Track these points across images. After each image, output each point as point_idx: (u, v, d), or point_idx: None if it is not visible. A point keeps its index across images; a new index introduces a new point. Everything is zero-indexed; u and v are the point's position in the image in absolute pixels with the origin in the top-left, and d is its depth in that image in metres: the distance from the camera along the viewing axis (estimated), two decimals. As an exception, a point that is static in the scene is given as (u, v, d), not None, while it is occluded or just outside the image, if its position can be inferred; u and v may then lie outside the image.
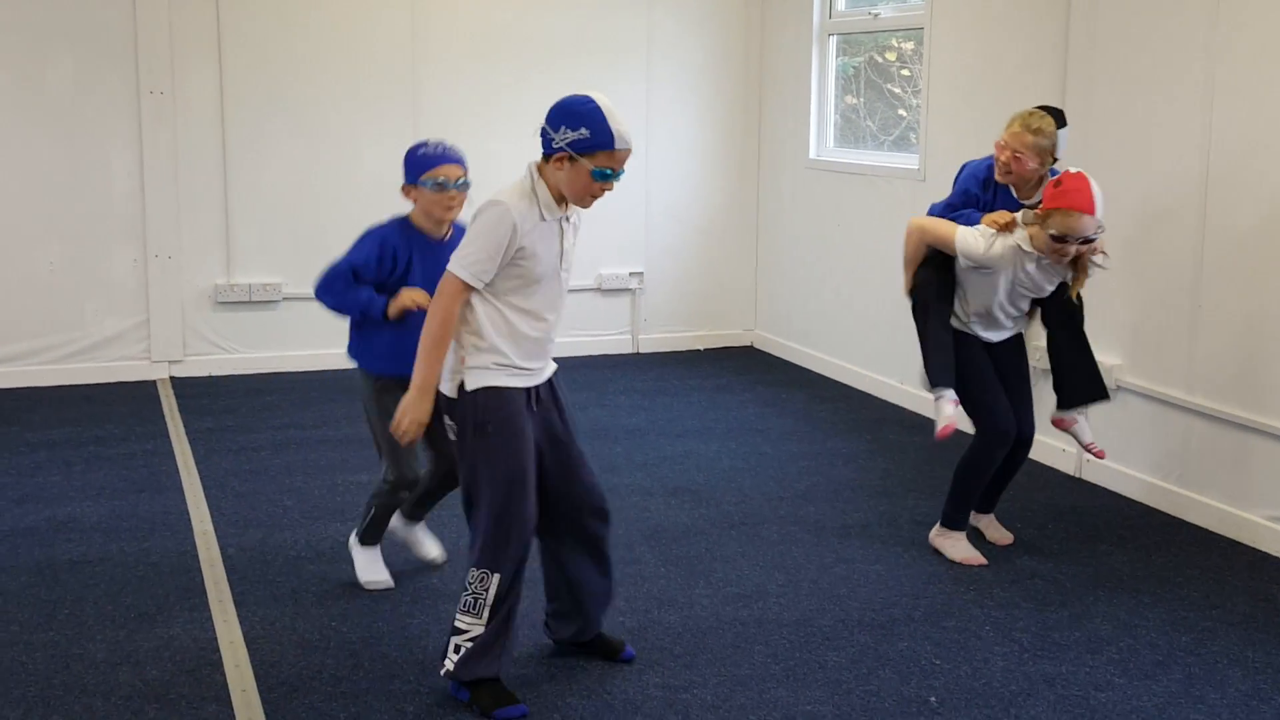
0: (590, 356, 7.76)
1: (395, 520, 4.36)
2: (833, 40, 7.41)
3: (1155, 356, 5.12)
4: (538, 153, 3.37)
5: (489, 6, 7.39)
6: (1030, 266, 4.39)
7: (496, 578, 3.40)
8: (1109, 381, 5.29)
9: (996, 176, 4.55)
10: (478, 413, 3.36)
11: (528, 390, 3.43)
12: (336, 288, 4.01)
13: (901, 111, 7.11)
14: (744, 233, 8.09)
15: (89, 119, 6.86)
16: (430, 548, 4.46)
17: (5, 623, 3.94)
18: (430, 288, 3.79)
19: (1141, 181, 5.13)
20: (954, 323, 4.54)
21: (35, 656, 3.72)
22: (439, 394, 3.41)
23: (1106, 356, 5.33)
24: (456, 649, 3.45)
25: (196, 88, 6.98)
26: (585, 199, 3.35)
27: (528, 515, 3.43)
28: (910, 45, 6.95)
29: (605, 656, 3.76)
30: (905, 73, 7.08)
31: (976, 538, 4.70)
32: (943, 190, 6.33)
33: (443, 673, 3.49)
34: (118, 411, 6.42)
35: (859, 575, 4.41)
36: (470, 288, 3.29)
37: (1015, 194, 4.56)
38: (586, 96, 3.32)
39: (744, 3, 7.92)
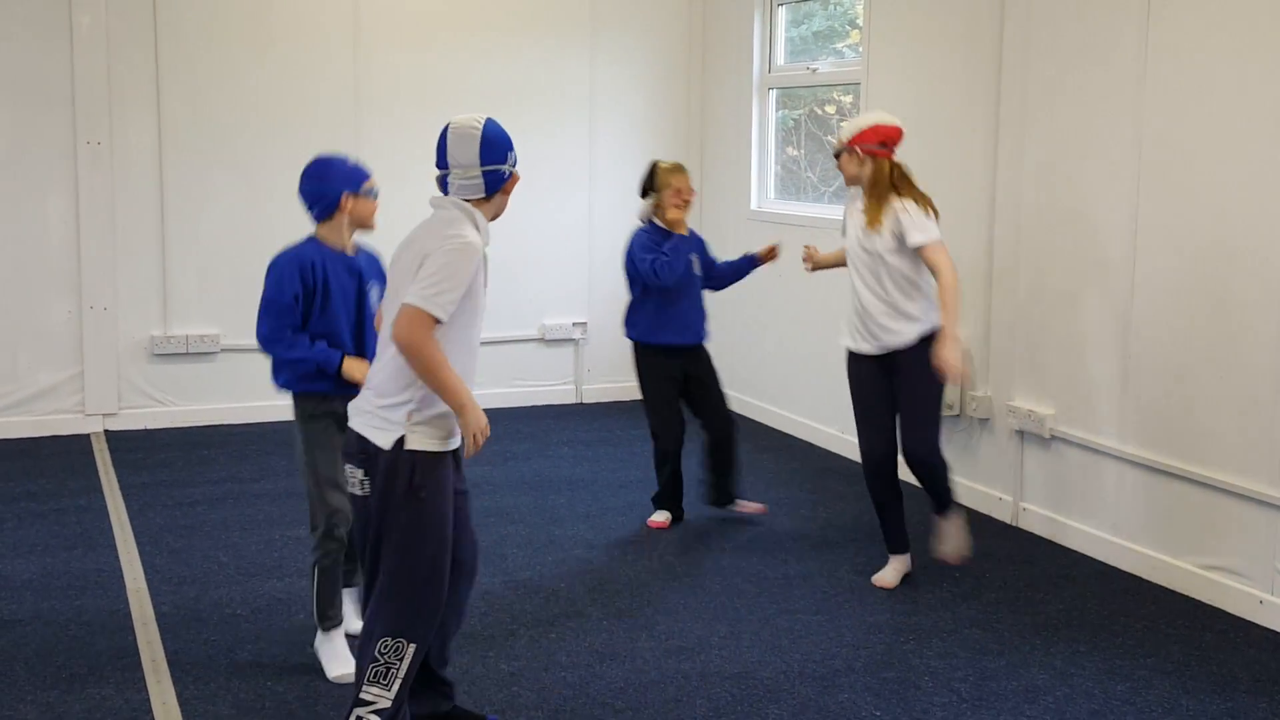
0: (533, 407, 7.76)
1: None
2: (773, 94, 7.51)
3: (1087, 405, 5.20)
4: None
5: (432, 57, 7.42)
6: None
7: (413, 648, 3.23)
8: (1042, 431, 5.37)
9: (674, 219, 5.33)
10: (415, 474, 3.20)
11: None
12: (287, 337, 3.91)
13: (840, 163, 7.21)
14: (686, 282, 8.13)
15: (25, 169, 6.80)
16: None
17: (-69, 686, 3.85)
18: (345, 306, 3.90)
19: (1072, 231, 5.23)
20: (847, 344, 4.84)
21: (-39, 720, 3.64)
22: (361, 440, 3.23)
23: (1039, 406, 5.41)
24: None
25: (135, 138, 6.94)
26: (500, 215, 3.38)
27: (446, 583, 3.30)
28: (849, 99, 7.05)
29: None
30: (844, 125, 7.18)
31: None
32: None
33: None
34: (50, 466, 6.32)
35: (801, 626, 4.42)
36: (437, 324, 3.15)
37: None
38: (490, 120, 3.32)
39: (685, 55, 8.01)
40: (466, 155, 3.28)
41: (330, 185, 3.98)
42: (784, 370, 7.31)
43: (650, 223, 5.43)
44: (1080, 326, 5.23)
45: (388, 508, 3.22)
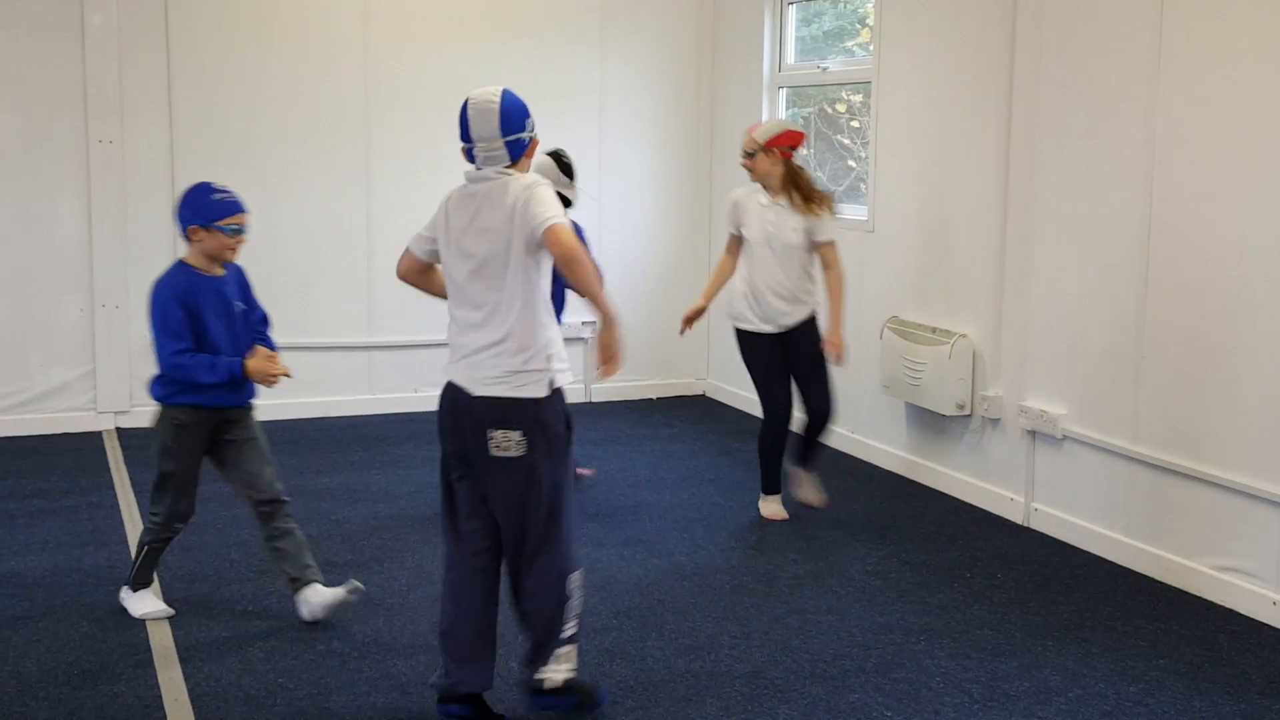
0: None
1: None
2: (783, 92, 7.50)
3: (1100, 406, 5.19)
4: None
5: (441, 56, 7.42)
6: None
7: (579, 571, 3.61)
8: (1054, 431, 5.36)
9: None
10: (565, 410, 3.48)
11: None
12: (186, 361, 4.12)
13: (851, 163, 7.20)
14: (696, 282, 8.08)
15: (37, 168, 6.81)
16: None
17: (-57, 682, 3.87)
18: (220, 323, 4.20)
19: (1085, 232, 5.22)
20: (746, 326, 5.47)
21: (-26, 717, 3.65)
22: (505, 405, 3.37)
23: (1051, 406, 5.40)
24: (562, 658, 3.55)
25: (146, 137, 6.95)
26: None
27: None
28: (859, 98, 7.05)
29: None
30: (855, 124, 7.18)
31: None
32: (893, 241, 6.42)
33: (561, 682, 3.56)
34: (63, 463, 6.34)
35: (811, 626, 4.42)
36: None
37: None
38: (506, 91, 3.54)
39: (695, 55, 8.01)
40: (488, 129, 3.45)
41: (182, 214, 4.23)
42: (794, 370, 7.30)
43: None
44: (1092, 326, 5.21)
45: (551, 450, 3.42)
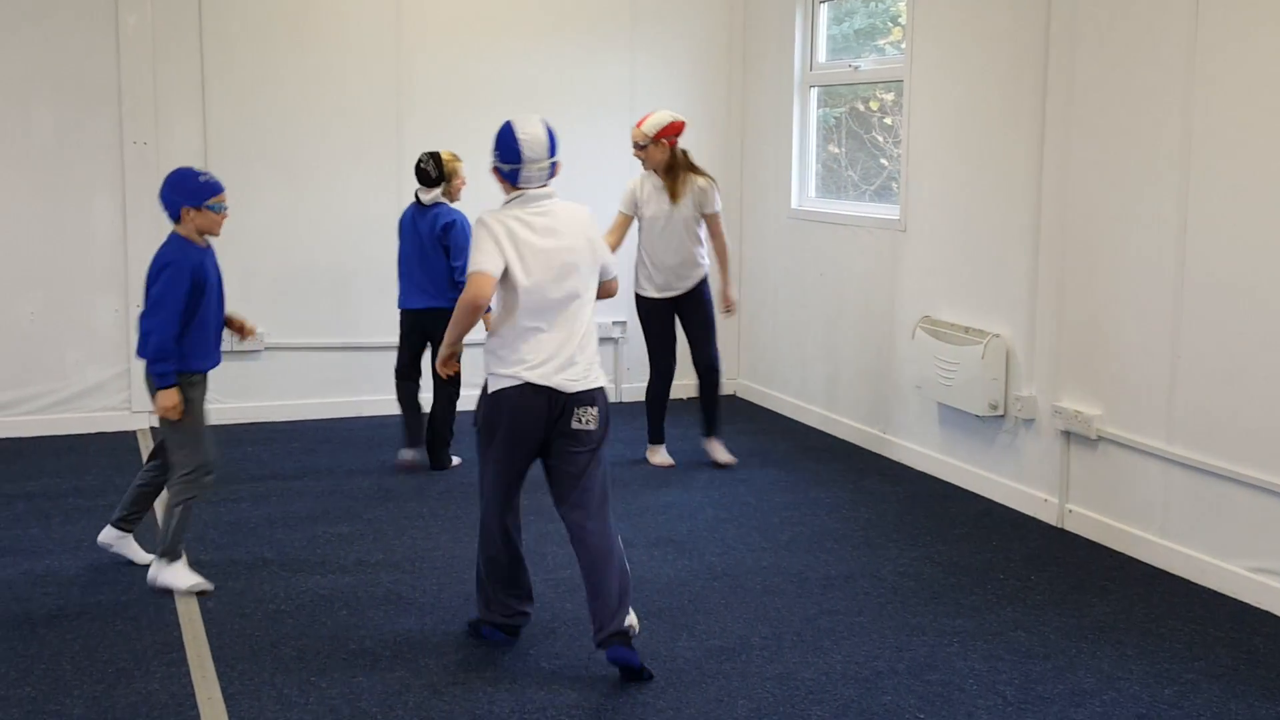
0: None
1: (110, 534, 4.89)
2: (814, 91, 7.47)
3: (1135, 406, 5.14)
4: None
5: (473, 57, 7.44)
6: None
7: None
8: (1088, 432, 5.32)
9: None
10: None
11: None
12: (171, 351, 4.49)
13: (883, 161, 7.17)
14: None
15: (72, 169, 6.87)
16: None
17: (-20, 679, 3.90)
18: (215, 294, 4.62)
19: (1119, 229, 5.17)
20: (647, 294, 6.32)
21: (11, 712, 3.68)
22: (589, 392, 4.04)
23: (1086, 406, 5.36)
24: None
25: (180, 138, 6.99)
26: None
27: None
28: (891, 96, 7.01)
29: None
30: (887, 122, 7.15)
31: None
32: (925, 240, 6.39)
33: (630, 629, 3.97)
34: (98, 462, 6.39)
35: (843, 627, 4.40)
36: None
37: None
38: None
39: (725, 54, 7.99)
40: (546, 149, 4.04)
41: (172, 198, 4.59)
42: (825, 371, 7.28)
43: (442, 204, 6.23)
44: (1128, 326, 5.17)
45: (606, 428, 4.07)
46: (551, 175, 4.04)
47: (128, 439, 6.86)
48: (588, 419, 4.01)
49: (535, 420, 3.97)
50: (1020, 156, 5.67)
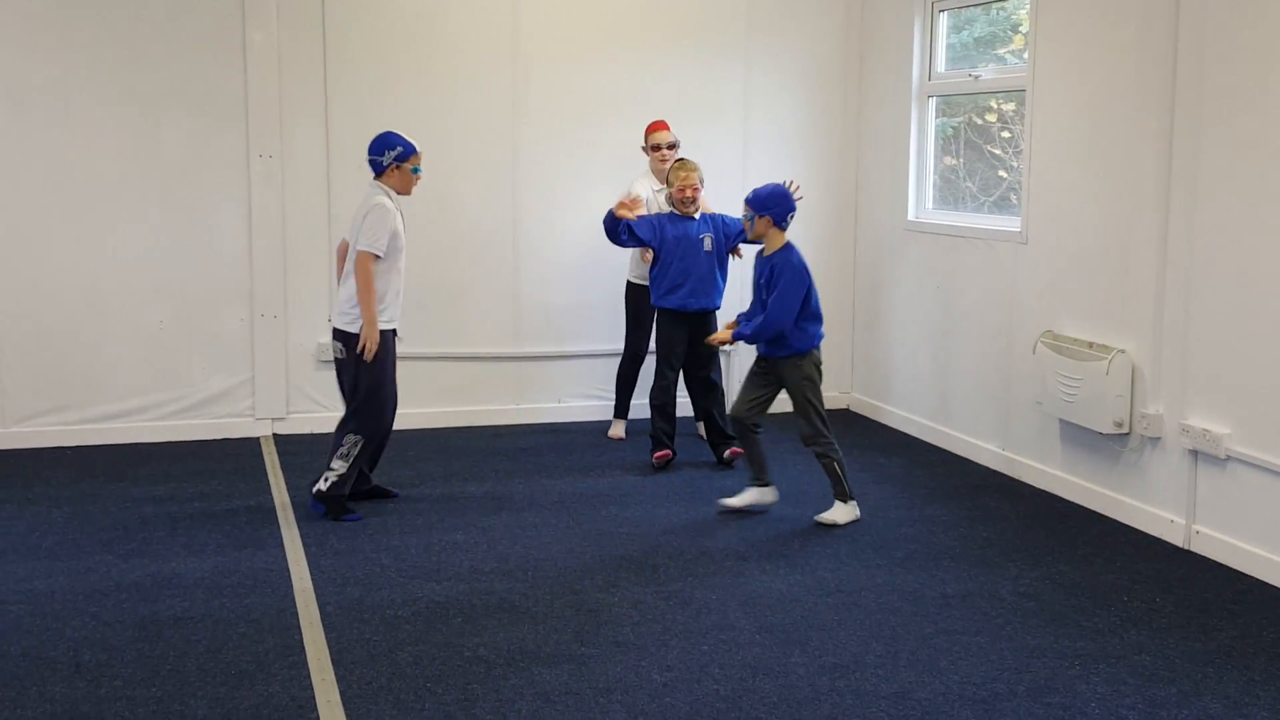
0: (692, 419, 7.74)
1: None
2: (931, 101, 7.38)
3: (1265, 424, 4.97)
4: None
5: (588, 68, 7.49)
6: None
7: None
8: (1217, 451, 5.15)
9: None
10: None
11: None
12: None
13: (1002, 173, 7.05)
14: (841, 294, 8.04)
15: (200, 181, 7.07)
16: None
17: (109, 678, 4.02)
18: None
19: (1250, 242, 5.01)
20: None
21: (138, 712, 3.78)
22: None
23: (1214, 424, 5.19)
24: None
25: (304, 151, 7.16)
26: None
27: None
28: (1011, 106, 6.89)
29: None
30: (1005, 134, 7.02)
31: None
32: (1047, 252, 6.26)
33: None
34: (222, 468, 6.55)
35: (960, 647, 4.32)
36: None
37: None
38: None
39: (842, 63, 7.93)
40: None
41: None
42: (942, 386, 7.17)
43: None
44: (1258, 341, 5.00)
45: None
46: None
47: (251, 445, 7.03)
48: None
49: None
50: (1147, 167, 5.53)
